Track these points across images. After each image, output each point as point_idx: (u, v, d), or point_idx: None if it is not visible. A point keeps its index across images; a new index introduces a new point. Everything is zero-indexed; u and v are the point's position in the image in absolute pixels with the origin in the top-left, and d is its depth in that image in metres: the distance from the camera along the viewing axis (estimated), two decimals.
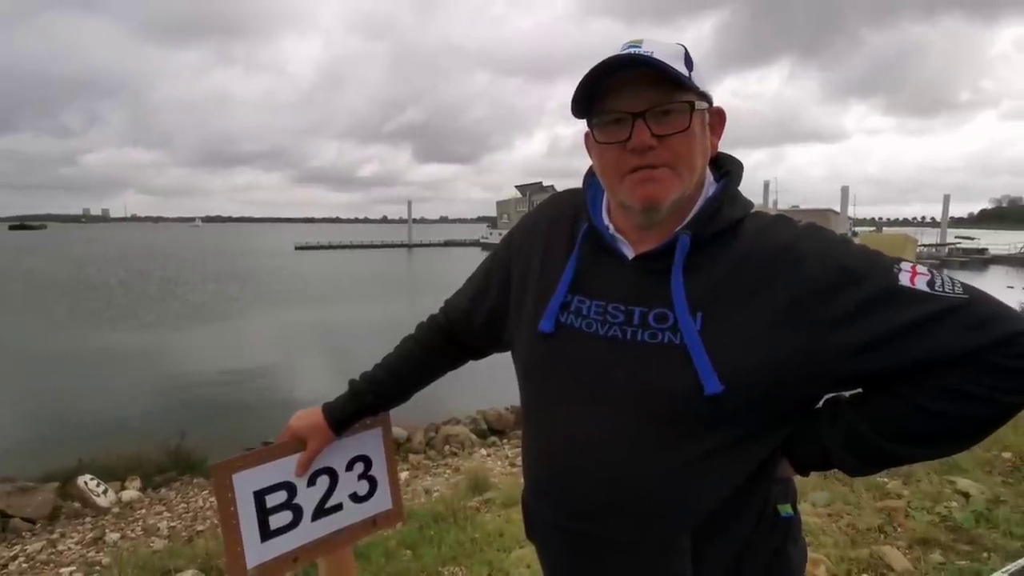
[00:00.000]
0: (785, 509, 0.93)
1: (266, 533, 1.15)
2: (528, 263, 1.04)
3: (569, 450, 0.91)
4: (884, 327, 0.78)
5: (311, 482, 1.21)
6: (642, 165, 0.84)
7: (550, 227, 1.05)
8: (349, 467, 1.27)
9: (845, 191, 46.98)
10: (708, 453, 0.84)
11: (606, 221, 0.96)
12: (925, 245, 45.04)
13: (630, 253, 0.92)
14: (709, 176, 0.93)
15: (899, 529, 3.07)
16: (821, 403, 0.91)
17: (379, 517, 1.32)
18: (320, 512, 1.22)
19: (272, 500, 1.16)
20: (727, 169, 0.94)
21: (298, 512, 1.19)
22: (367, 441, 1.30)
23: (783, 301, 0.81)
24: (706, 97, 0.88)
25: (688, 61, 0.85)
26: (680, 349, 0.83)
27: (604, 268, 0.94)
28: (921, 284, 0.79)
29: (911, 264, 0.83)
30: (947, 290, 0.79)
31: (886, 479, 3.65)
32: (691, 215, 0.89)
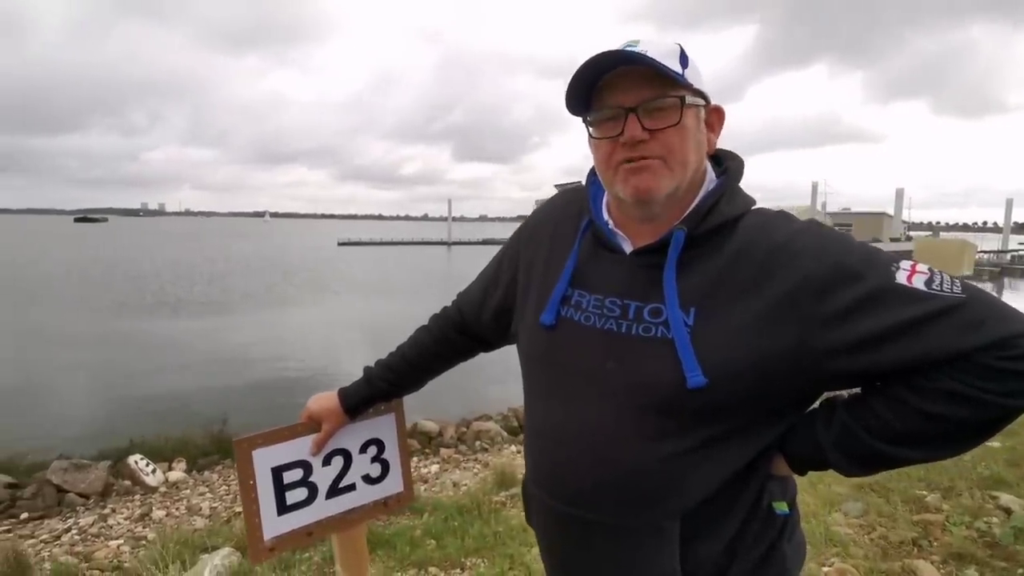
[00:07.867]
0: (781, 506, 0.93)
1: (283, 507, 1.22)
2: (534, 257, 1.07)
3: (565, 439, 0.94)
4: (877, 326, 0.78)
5: (326, 462, 1.27)
6: (634, 157, 0.86)
7: (556, 222, 1.07)
8: (363, 449, 1.32)
9: (900, 193, 44.66)
10: (698, 445, 0.85)
11: (606, 216, 0.98)
12: (985, 252, 42.66)
13: (628, 248, 0.94)
14: (710, 173, 0.94)
15: (935, 543, 2.95)
16: (818, 403, 0.91)
17: (390, 499, 1.37)
18: (334, 491, 1.28)
19: (289, 477, 1.22)
20: (727, 166, 0.95)
21: (313, 490, 1.26)
22: (381, 425, 1.35)
23: (776, 297, 0.82)
24: (701, 94, 0.89)
25: (683, 59, 0.86)
26: (670, 343, 0.84)
27: (603, 263, 0.95)
28: (919, 283, 0.79)
29: (911, 262, 0.82)
30: (945, 289, 0.78)
31: (925, 492, 3.52)
32: (688, 211, 0.90)
